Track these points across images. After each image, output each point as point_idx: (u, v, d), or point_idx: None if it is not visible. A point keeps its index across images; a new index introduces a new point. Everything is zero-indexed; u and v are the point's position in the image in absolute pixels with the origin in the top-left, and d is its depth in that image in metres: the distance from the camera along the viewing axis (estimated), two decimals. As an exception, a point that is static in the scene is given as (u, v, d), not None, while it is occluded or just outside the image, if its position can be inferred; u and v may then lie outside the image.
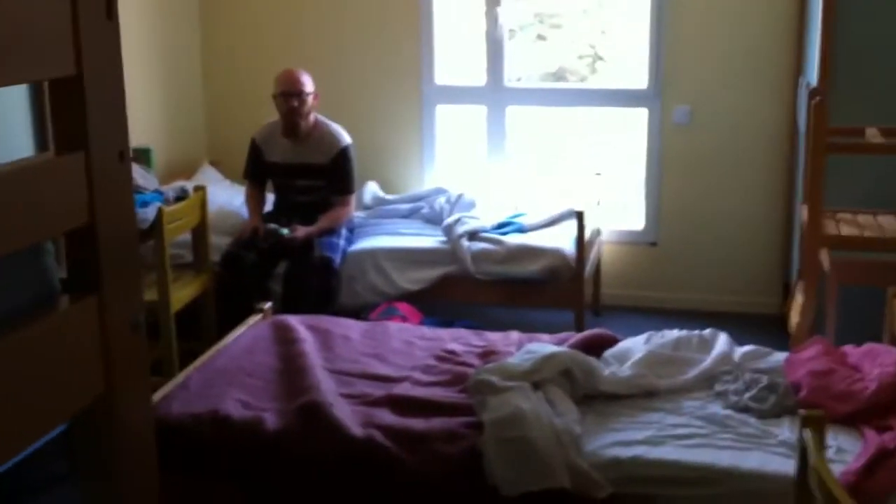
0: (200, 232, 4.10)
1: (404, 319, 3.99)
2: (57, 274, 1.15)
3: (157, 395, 2.75)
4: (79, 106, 1.10)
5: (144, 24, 4.75)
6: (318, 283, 4.12)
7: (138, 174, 3.78)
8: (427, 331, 3.43)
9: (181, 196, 4.08)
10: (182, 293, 3.90)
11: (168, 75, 4.97)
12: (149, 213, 3.67)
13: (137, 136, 4.48)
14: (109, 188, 1.15)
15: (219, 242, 4.28)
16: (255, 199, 4.47)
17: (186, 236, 4.09)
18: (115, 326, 1.18)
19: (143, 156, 4.11)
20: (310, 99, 4.34)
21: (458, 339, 3.28)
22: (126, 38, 4.05)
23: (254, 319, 3.39)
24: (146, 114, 4.75)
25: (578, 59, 5.58)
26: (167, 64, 4.96)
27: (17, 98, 3.06)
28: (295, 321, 3.32)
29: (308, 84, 4.34)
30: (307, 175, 4.40)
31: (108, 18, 1.13)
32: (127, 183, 1.20)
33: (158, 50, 4.88)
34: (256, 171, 4.50)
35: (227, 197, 4.69)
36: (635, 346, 3.05)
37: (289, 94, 4.30)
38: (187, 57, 5.18)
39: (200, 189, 4.10)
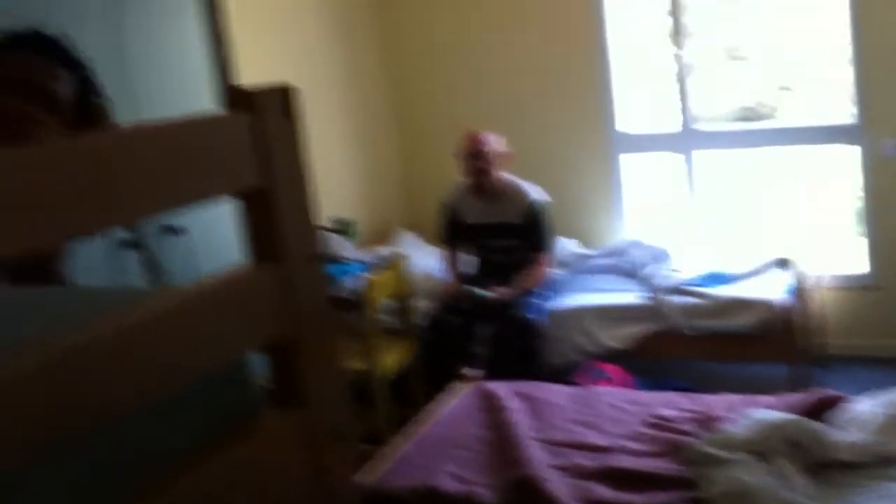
0: (404, 298, 4.16)
1: (612, 382, 3.89)
2: (258, 389, 1.16)
3: (371, 466, 2.79)
4: (265, 214, 1.12)
5: (341, 98, 4.93)
6: (521, 345, 4.09)
7: (340, 245, 3.89)
8: (637, 395, 3.32)
9: (382, 263, 4.16)
10: (390, 360, 3.97)
11: (363, 145, 5.13)
12: (354, 283, 3.76)
13: (338, 206, 4.63)
14: (304, 295, 1.15)
15: (423, 307, 4.34)
16: (452, 262, 4.52)
17: (391, 302, 4.17)
18: (319, 437, 1.18)
19: (348, 228, 4.23)
20: (495, 157, 4.35)
21: (671, 404, 3.15)
22: (323, 112, 4.19)
23: (460, 387, 3.39)
24: (345, 185, 4.91)
25: (771, 93, 5.33)
26: (362, 133, 5.12)
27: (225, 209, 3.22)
28: (501, 388, 3.30)
29: (491, 143, 4.37)
30: (502, 235, 4.40)
31: (286, 117, 1.14)
32: (321, 289, 1.21)
33: (353, 119, 5.05)
34: (451, 234, 4.55)
35: (428, 261, 4.75)
36: (868, 407, 2.83)
37: (472, 155, 4.34)
38: (381, 123, 5.33)
39: (401, 255, 4.18)
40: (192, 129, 1.05)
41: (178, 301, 1.02)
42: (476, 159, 4.35)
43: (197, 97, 3.02)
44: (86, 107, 1.61)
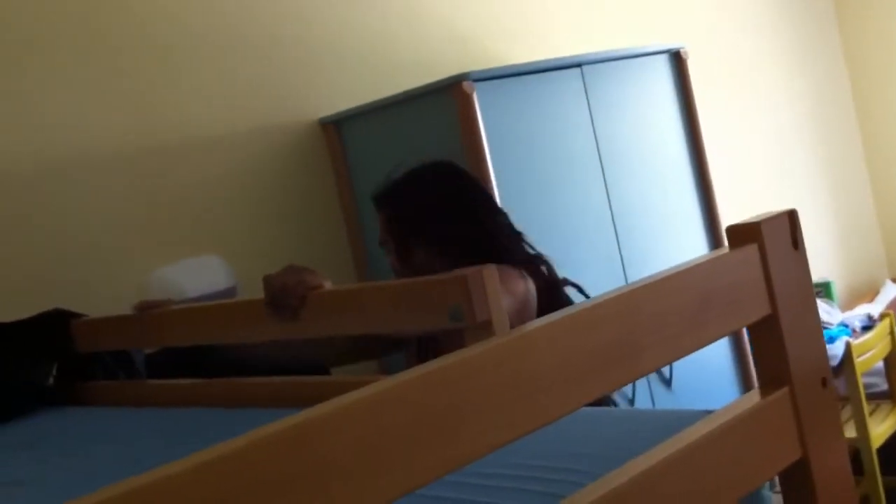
0: (893, 360, 3.89)
1: None
2: None
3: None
4: (776, 342, 1.17)
5: (807, 153, 4.81)
6: None
7: (822, 309, 3.77)
8: None
9: (868, 325, 3.94)
10: (882, 426, 3.72)
11: (836, 200, 4.93)
12: (836, 349, 3.62)
13: (816, 269, 4.48)
14: (815, 419, 1.19)
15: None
16: None
17: (880, 364, 3.92)
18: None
19: (825, 290, 4.10)
20: None
21: None
22: (795, 170, 4.13)
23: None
24: (822, 245, 4.75)
25: None
26: (834, 190, 4.93)
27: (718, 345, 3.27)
28: None
29: None
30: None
31: (795, 248, 1.18)
32: (832, 410, 1.23)
33: (824, 175, 4.89)
34: None
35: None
36: None
37: None
38: (853, 178, 5.08)
39: (887, 314, 3.93)
40: (707, 269, 1.11)
41: (703, 434, 1.05)
42: None
43: (673, 178, 3.17)
44: None
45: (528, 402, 0.87)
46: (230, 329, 1.82)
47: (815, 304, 1.22)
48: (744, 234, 1.16)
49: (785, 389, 1.14)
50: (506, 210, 2.25)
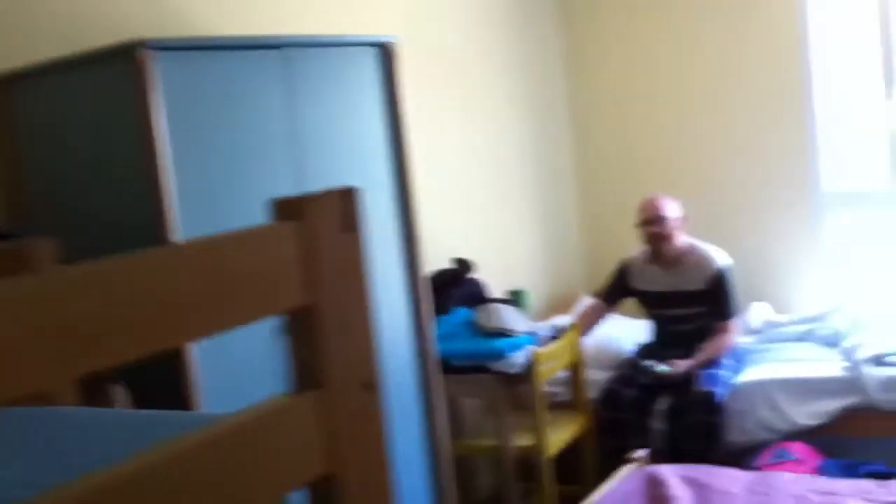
0: (576, 370, 4.03)
1: (798, 463, 3.58)
2: None
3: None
4: (311, 337, 1.03)
5: (523, 164, 4.89)
6: (701, 421, 3.85)
7: (511, 317, 3.82)
8: (823, 483, 3.03)
9: (557, 334, 4.04)
10: (559, 435, 3.84)
11: (542, 212, 5.05)
12: (520, 357, 3.68)
13: (514, 278, 4.57)
14: (351, 428, 1.05)
15: (598, 378, 4.17)
16: (590, 317, 4.35)
17: (565, 373, 4.05)
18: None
19: (518, 298, 4.17)
20: (673, 224, 4.17)
21: (863, 494, 2.86)
22: (506, 180, 4.13)
23: (627, 469, 3.22)
24: (522, 255, 4.85)
25: None
26: (542, 201, 5.05)
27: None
28: (670, 473, 3.10)
29: (669, 209, 4.19)
30: (683, 303, 4.19)
31: (345, 231, 1.05)
32: (373, 419, 1.09)
33: (536, 187, 4.99)
34: (613, 294, 4.41)
35: (606, 330, 4.59)
36: None
37: (649, 222, 4.19)
38: (564, 189, 5.24)
39: (574, 326, 4.06)
40: (231, 246, 0.99)
41: (200, 440, 0.93)
42: (653, 226, 4.19)
43: (372, 175, 3.04)
44: None
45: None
46: None
47: (366, 297, 1.09)
48: (287, 209, 1.03)
49: (316, 392, 1.01)
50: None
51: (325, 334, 1.01)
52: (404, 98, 3.09)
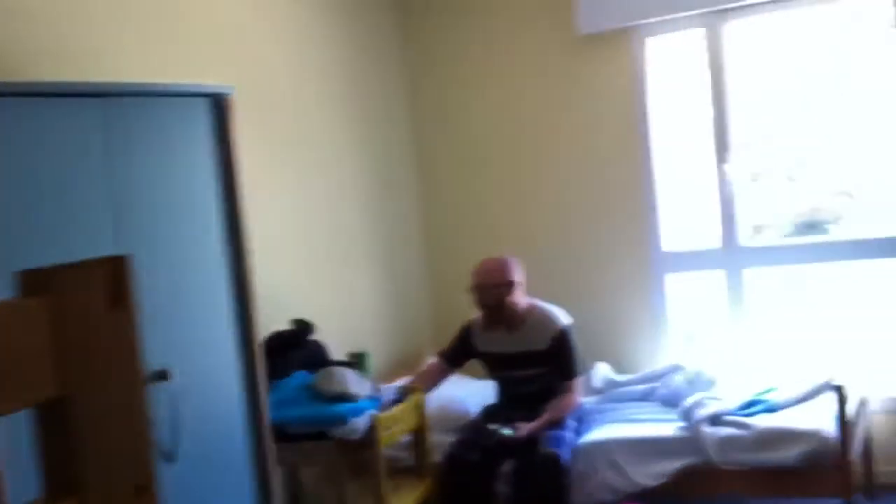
0: (420, 434, 3.93)
1: (640, 525, 3.57)
2: None
3: None
4: (66, 434, 0.85)
5: (364, 219, 4.80)
6: (546, 483, 3.80)
7: (352, 381, 3.69)
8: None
9: (402, 397, 3.92)
10: (403, 502, 3.71)
11: (387, 270, 4.97)
12: (361, 422, 3.54)
13: (356, 339, 4.45)
14: None
15: (442, 441, 4.08)
16: (431, 376, 4.27)
17: (410, 437, 3.94)
18: None
19: (360, 360, 4.04)
20: (505, 289, 4.12)
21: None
22: (348, 234, 4.01)
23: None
24: (366, 315, 4.74)
25: (832, 199, 5.03)
26: (387, 259, 4.97)
27: (233, 410, 2.97)
28: (512, 540, 3.02)
29: (504, 273, 4.14)
30: (527, 364, 4.16)
31: (114, 309, 0.88)
32: None
33: (377, 246, 4.91)
34: (455, 356, 4.35)
35: (451, 391, 4.52)
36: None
37: (478, 289, 4.15)
38: (410, 247, 5.18)
39: (417, 388, 3.96)
40: None
41: None
42: (482, 293, 4.15)
43: (203, 233, 2.88)
44: None
45: None
46: None
47: (139, 384, 0.92)
48: (36, 282, 0.86)
49: (76, 500, 0.84)
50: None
51: (84, 431, 0.84)
52: (239, 152, 2.96)
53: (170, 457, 2.67)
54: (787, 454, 3.70)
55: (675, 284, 4.88)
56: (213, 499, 2.84)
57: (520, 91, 5.02)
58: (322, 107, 4.56)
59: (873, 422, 4.34)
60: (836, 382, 3.69)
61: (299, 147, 4.36)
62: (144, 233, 2.68)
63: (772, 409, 3.97)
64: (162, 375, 2.62)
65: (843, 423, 3.63)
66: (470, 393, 4.54)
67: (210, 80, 3.13)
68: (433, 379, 4.28)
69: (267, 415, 3.02)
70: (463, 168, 5.17)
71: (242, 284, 2.99)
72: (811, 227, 5.00)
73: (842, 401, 3.62)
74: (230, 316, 2.95)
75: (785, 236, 4.95)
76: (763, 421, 3.85)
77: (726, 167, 4.62)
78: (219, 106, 2.93)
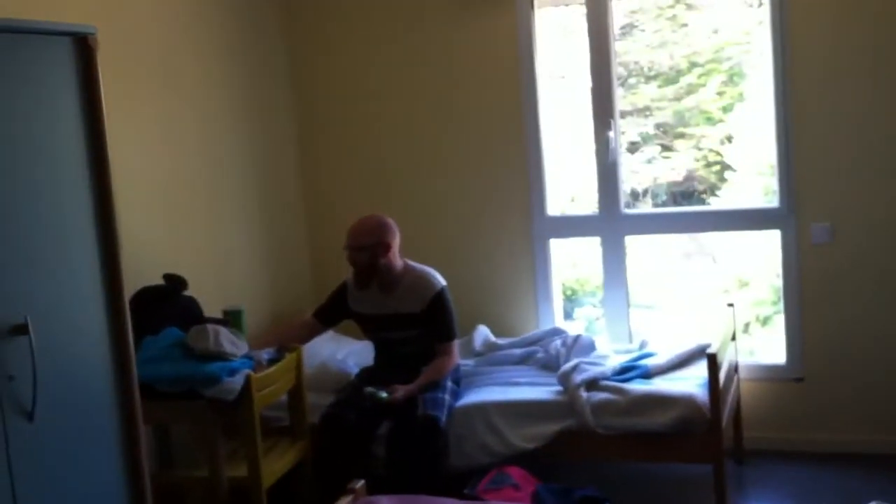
0: (297, 394, 3.84)
1: (517, 489, 3.58)
2: None
3: None
4: None
5: (242, 174, 4.64)
6: (423, 446, 3.77)
7: (227, 340, 3.56)
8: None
9: (277, 357, 3.81)
10: (277, 464, 3.62)
11: (266, 227, 4.82)
12: (236, 382, 3.43)
13: (232, 296, 4.31)
14: None
15: (319, 402, 4.00)
16: (295, 332, 4.19)
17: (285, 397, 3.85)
18: None
19: (235, 318, 3.91)
20: (379, 250, 4.04)
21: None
22: (227, 193, 3.85)
23: (344, 501, 3.06)
24: (244, 272, 4.59)
25: (706, 168, 5.15)
26: (265, 215, 4.82)
27: (96, 364, 2.85)
28: (386, 503, 2.98)
29: (375, 235, 4.05)
30: (402, 326, 4.11)
31: None
32: None
33: (260, 202, 4.75)
34: (330, 314, 4.28)
35: (330, 352, 4.44)
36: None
37: (352, 248, 4.08)
38: (290, 206, 5.04)
39: (295, 348, 3.86)
40: None
41: None
42: (354, 253, 4.07)
43: (64, 181, 2.69)
44: None
45: None
46: None
47: None
48: None
49: None
50: None
51: None
52: (103, 97, 2.78)
53: (28, 415, 2.51)
54: (660, 420, 3.77)
55: (559, 249, 4.91)
56: (75, 459, 2.69)
57: (404, 52, 4.91)
58: (197, 54, 4.34)
59: (744, 388, 4.47)
60: (709, 350, 3.77)
61: (170, 95, 4.12)
62: (1, 178, 2.49)
63: (646, 375, 4.03)
64: (20, 329, 2.46)
65: (715, 389, 3.71)
66: (350, 353, 4.48)
67: (72, 20, 2.92)
68: (296, 335, 4.16)
69: (134, 372, 2.88)
70: (345, 126, 5.04)
71: (108, 234, 2.81)
72: (686, 196, 5.12)
73: (713, 367, 3.70)
74: (95, 267, 2.79)
75: (660, 205, 5.04)
76: (637, 386, 3.91)
77: (609, 135, 4.64)
78: (82, 46, 2.73)
